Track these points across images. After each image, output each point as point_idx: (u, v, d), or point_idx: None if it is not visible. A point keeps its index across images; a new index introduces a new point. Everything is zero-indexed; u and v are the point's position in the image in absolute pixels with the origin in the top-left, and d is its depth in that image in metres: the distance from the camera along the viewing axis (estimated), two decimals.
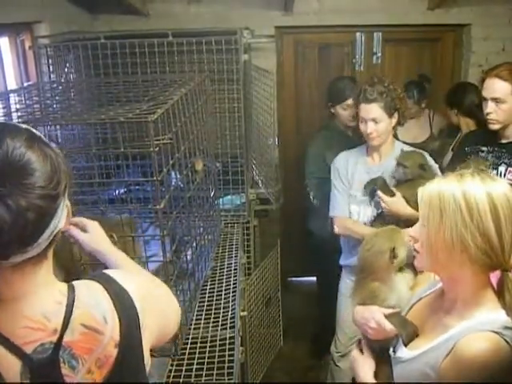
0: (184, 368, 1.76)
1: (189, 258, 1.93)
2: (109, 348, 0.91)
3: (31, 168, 0.81)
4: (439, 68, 4.00)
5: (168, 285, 1.28)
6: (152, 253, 1.82)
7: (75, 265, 1.49)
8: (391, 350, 1.39)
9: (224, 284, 2.24)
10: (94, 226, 1.32)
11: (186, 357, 1.80)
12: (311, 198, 3.01)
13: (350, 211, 2.49)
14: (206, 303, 2.10)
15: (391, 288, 1.49)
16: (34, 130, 0.88)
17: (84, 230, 1.31)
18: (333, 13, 3.67)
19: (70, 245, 1.41)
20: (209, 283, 2.24)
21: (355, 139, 2.81)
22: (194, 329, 1.96)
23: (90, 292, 0.94)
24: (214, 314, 2.05)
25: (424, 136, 3.51)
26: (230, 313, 2.06)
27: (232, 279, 2.28)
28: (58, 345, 0.88)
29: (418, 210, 1.26)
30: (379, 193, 2.33)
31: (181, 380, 1.73)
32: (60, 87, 2.32)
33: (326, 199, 2.64)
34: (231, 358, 1.83)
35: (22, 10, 2.55)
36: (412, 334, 1.32)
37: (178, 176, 1.89)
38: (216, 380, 1.75)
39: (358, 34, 3.91)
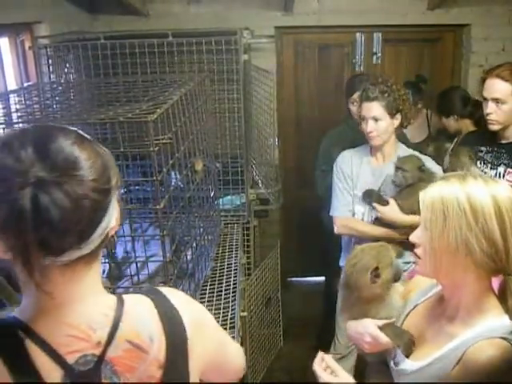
0: None
1: (189, 258, 1.93)
2: (152, 368, 0.88)
3: (84, 162, 0.81)
4: (439, 68, 4.00)
5: (168, 285, 1.28)
6: (152, 253, 1.82)
7: None
8: (392, 362, 1.35)
9: (224, 284, 2.23)
10: None
11: None
12: (317, 189, 3.02)
13: (354, 211, 2.48)
14: (205, 303, 2.10)
15: (381, 300, 1.45)
16: (81, 132, 0.89)
17: None
18: (333, 13, 3.67)
19: None
20: (209, 283, 2.24)
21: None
22: None
23: (139, 308, 0.91)
24: (214, 314, 2.04)
25: (422, 136, 3.50)
26: (229, 313, 2.05)
27: (232, 279, 2.27)
28: (100, 358, 0.84)
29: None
30: (374, 204, 2.35)
31: None
32: (60, 87, 2.32)
33: (328, 192, 2.64)
34: None
35: (21, 11, 2.55)
36: (409, 343, 1.29)
37: (178, 176, 1.88)
38: None
39: (357, 35, 3.90)
